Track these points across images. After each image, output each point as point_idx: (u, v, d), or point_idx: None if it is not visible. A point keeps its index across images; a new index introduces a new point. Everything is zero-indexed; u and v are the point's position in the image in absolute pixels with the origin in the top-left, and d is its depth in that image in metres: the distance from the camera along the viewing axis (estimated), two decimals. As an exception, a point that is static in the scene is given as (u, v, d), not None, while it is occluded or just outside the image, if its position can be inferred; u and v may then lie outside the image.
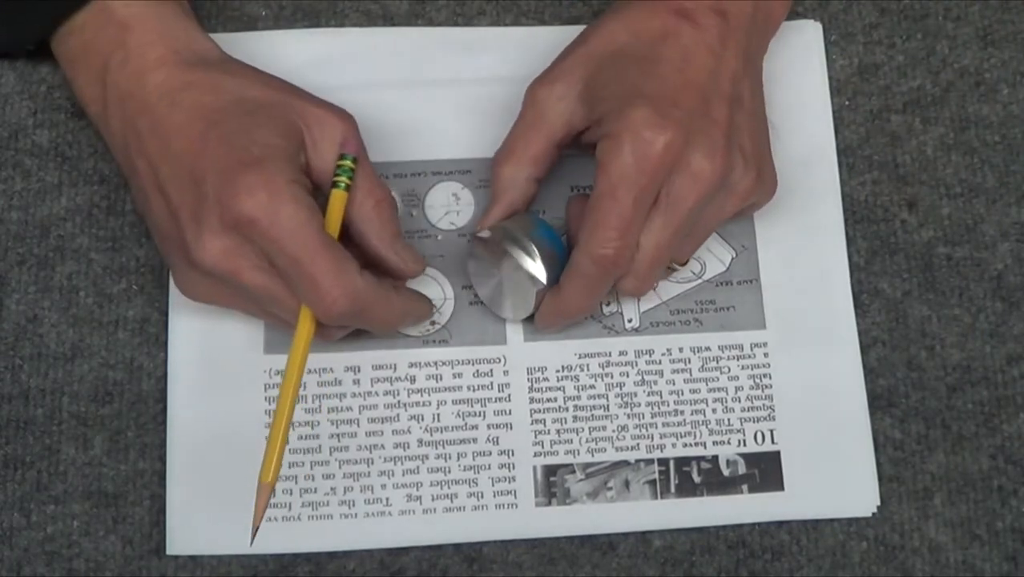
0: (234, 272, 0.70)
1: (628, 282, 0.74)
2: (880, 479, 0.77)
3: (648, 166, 0.71)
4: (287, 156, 0.71)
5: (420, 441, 0.76)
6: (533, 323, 0.77)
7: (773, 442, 0.77)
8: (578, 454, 0.77)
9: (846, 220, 0.81)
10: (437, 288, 0.79)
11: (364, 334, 0.77)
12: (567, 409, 0.77)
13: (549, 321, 0.76)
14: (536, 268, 0.74)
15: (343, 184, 0.73)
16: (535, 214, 0.77)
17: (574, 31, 0.80)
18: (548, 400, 0.77)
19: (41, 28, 0.76)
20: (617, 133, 0.71)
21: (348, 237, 0.74)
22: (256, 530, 0.69)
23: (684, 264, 0.79)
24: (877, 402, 0.78)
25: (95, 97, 0.75)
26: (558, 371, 0.78)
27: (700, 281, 0.79)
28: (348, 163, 0.73)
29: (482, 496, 0.76)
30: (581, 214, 0.74)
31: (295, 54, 0.81)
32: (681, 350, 0.78)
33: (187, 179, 0.71)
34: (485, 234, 0.76)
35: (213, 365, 0.77)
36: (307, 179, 0.72)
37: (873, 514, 0.76)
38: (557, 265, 0.75)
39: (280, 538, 0.75)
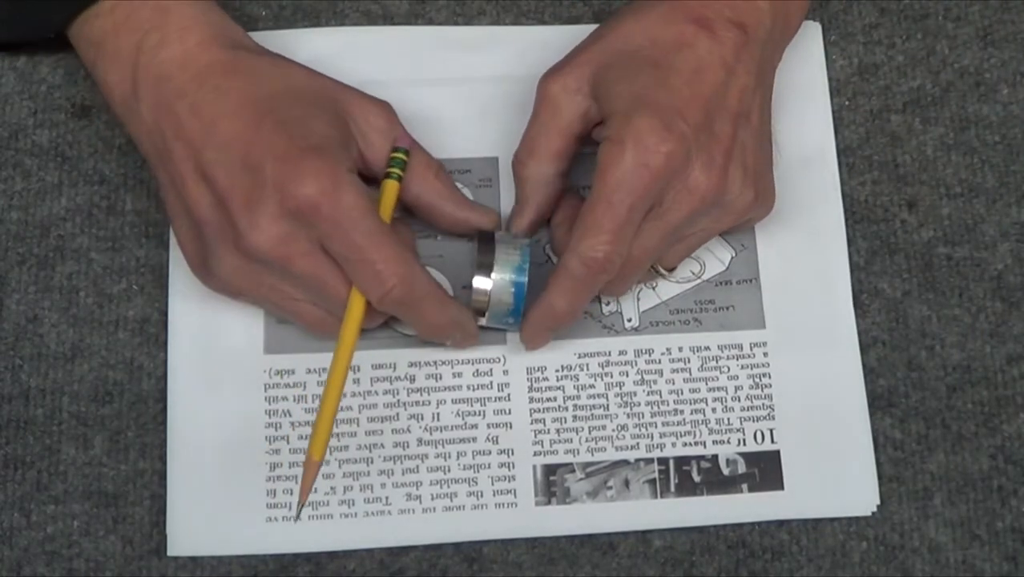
0: (286, 258, 0.71)
1: (609, 282, 0.74)
2: (880, 479, 0.77)
3: (647, 175, 0.71)
4: (343, 146, 0.73)
5: (420, 440, 0.76)
6: (520, 340, 0.77)
7: (773, 441, 0.77)
8: (578, 453, 0.77)
9: (846, 220, 0.81)
10: (437, 288, 0.79)
11: (364, 332, 0.77)
12: (567, 408, 0.77)
13: (535, 329, 0.76)
14: (480, 282, 0.75)
15: (396, 175, 0.75)
16: (528, 242, 0.76)
17: (574, 31, 0.80)
18: (548, 399, 0.77)
19: (68, 12, 0.75)
20: (620, 138, 0.71)
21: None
22: (302, 506, 0.71)
23: (672, 270, 0.79)
24: (877, 402, 0.78)
25: (122, 79, 0.74)
26: (558, 370, 0.78)
27: (700, 281, 0.79)
28: (401, 155, 0.75)
29: (482, 495, 0.76)
30: (564, 222, 0.75)
31: (295, 54, 0.81)
32: (681, 350, 0.78)
33: (239, 164, 0.71)
34: (488, 227, 0.76)
35: (213, 365, 0.77)
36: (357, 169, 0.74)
37: (873, 514, 0.76)
38: (506, 301, 0.75)
39: (280, 538, 0.75)
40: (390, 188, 0.75)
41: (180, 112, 0.72)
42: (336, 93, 0.75)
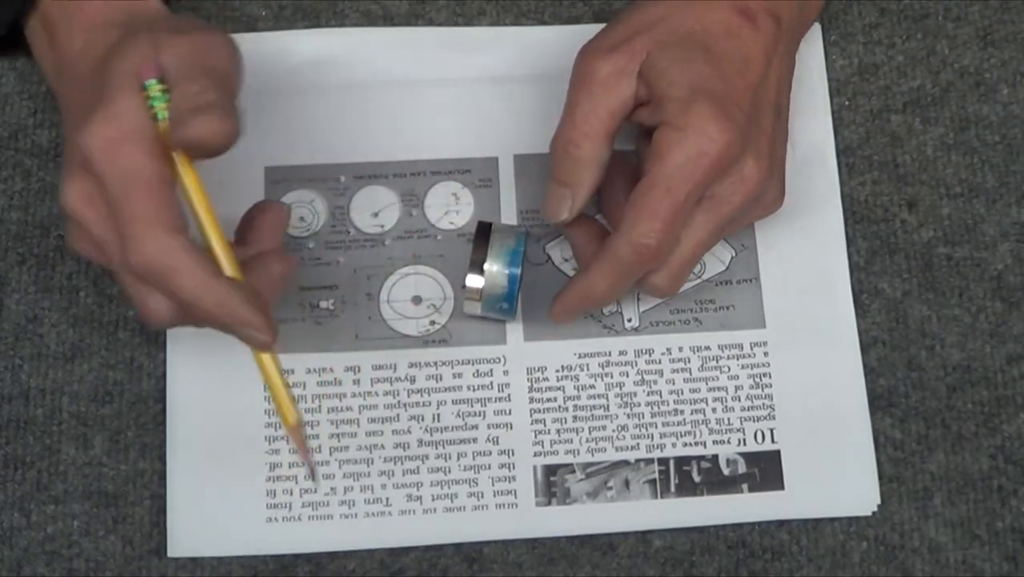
0: (85, 219, 0.67)
1: (660, 278, 0.73)
2: (880, 479, 0.77)
3: (707, 163, 0.70)
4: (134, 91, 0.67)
5: (420, 441, 0.76)
6: (550, 312, 0.76)
7: (773, 441, 0.77)
8: (578, 454, 0.77)
9: (846, 220, 0.81)
10: (437, 288, 0.79)
11: (364, 333, 0.77)
12: (567, 409, 0.77)
13: (569, 306, 0.75)
14: (472, 280, 0.75)
15: (159, 114, 0.66)
16: (523, 230, 0.76)
17: (574, 31, 0.80)
18: (548, 400, 0.77)
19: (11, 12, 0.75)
20: (682, 125, 0.70)
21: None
22: (313, 471, 0.71)
23: None
24: (877, 402, 0.78)
25: (50, 69, 0.74)
26: (558, 371, 0.78)
27: (700, 280, 0.79)
28: (154, 90, 0.67)
29: (482, 496, 0.76)
30: (588, 240, 0.75)
31: (295, 54, 0.81)
32: (681, 349, 0.78)
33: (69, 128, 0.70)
34: (485, 220, 0.76)
35: (213, 364, 0.77)
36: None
37: (873, 514, 0.76)
38: (500, 287, 0.75)
39: (280, 538, 0.75)
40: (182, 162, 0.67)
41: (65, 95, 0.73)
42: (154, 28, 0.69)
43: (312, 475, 0.72)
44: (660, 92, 0.72)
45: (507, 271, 0.75)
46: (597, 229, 0.75)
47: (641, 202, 0.71)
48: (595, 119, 0.73)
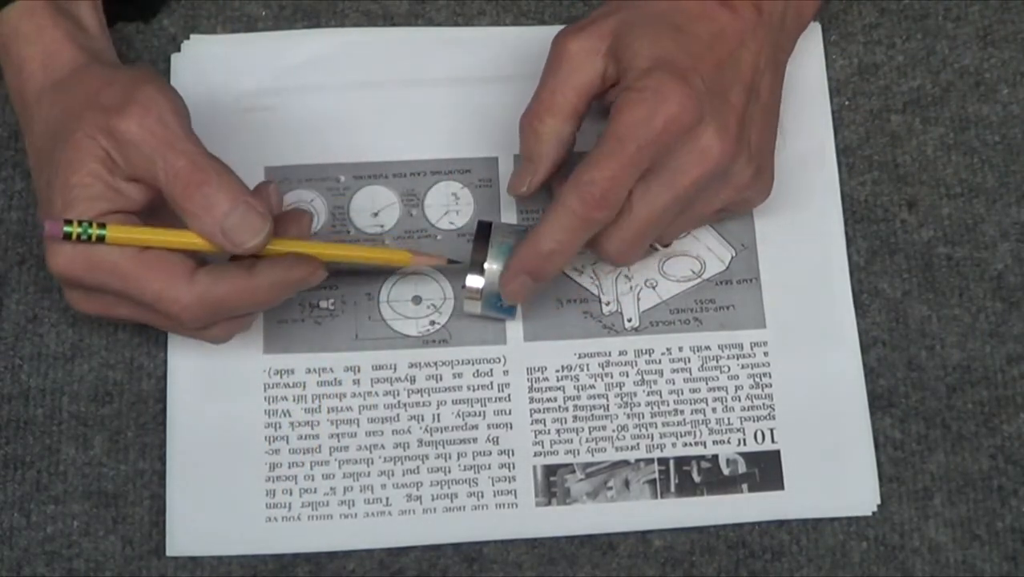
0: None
1: (611, 242, 0.73)
2: (880, 479, 0.77)
3: (658, 122, 0.71)
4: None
5: (420, 441, 0.76)
6: (502, 289, 0.75)
7: (773, 441, 0.77)
8: (578, 454, 0.77)
9: (846, 220, 0.81)
10: (437, 288, 0.79)
11: (364, 333, 0.77)
12: (567, 409, 0.77)
13: (517, 270, 0.74)
14: (473, 280, 0.75)
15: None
16: (523, 230, 0.76)
17: (574, 31, 0.80)
18: (548, 400, 0.77)
19: None
20: (638, 87, 0.71)
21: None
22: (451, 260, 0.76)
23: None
24: (877, 402, 0.78)
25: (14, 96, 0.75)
26: (558, 371, 0.78)
27: (700, 280, 0.79)
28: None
29: (482, 496, 0.76)
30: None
31: (295, 54, 0.81)
32: (681, 349, 0.78)
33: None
34: (485, 219, 0.76)
35: (213, 365, 0.77)
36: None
37: (873, 514, 0.76)
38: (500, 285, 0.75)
39: (280, 538, 0.75)
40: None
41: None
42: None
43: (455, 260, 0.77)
44: (625, 64, 0.72)
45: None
46: None
47: (592, 153, 0.71)
48: (560, 96, 0.74)
